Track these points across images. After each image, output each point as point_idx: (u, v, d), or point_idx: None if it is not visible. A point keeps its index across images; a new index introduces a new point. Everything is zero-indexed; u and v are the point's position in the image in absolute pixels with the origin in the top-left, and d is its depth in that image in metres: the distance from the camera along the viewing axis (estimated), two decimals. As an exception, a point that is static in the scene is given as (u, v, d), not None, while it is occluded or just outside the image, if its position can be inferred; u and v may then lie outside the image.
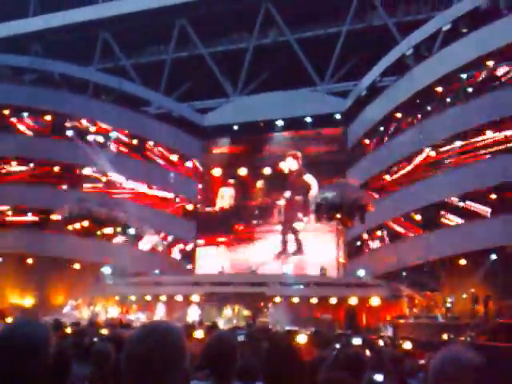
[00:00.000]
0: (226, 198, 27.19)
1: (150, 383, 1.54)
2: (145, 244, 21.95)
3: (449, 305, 18.43)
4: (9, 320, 15.56)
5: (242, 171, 26.83)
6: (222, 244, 26.40)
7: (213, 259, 25.72)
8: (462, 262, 18.76)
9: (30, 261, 22.36)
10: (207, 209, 27.51)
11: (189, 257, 26.94)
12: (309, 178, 25.42)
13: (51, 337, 1.77)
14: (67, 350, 1.86)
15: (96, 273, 21.75)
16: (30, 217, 23.93)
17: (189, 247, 27.32)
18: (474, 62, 19.19)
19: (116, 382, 3.56)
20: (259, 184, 26.27)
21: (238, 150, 27.38)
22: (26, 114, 24.77)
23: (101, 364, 4.14)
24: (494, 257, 18.10)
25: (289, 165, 26.01)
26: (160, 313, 20.35)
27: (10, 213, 23.94)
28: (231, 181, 27.21)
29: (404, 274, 20.71)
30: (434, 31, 21.31)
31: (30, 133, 24.89)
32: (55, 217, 23.73)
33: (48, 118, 24.80)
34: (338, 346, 8.08)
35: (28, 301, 21.91)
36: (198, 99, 28.52)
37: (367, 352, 7.26)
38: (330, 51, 26.41)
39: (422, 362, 6.31)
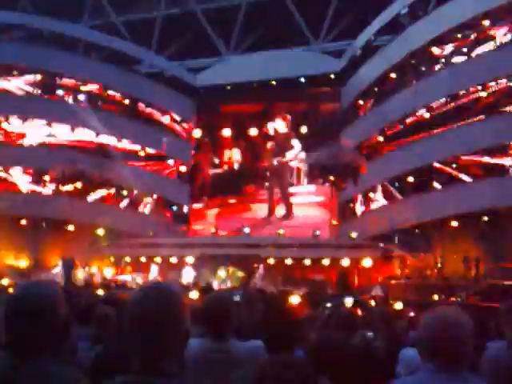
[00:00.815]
0: (234, 158, 26.85)
1: (154, 342, 1.58)
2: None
3: (439, 265, 18.70)
4: (4, 281, 15.67)
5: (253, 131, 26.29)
6: (231, 205, 26.02)
7: (211, 220, 25.69)
8: (454, 223, 18.95)
9: (23, 222, 22.37)
10: (215, 170, 27.20)
11: (183, 218, 26.97)
12: (294, 143, 25.05)
13: (62, 298, 1.82)
14: (69, 311, 1.89)
15: (90, 234, 21.82)
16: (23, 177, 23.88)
17: (184, 209, 27.32)
18: (469, 21, 18.98)
19: (118, 342, 3.61)
20: (269, 145, 25.66)
21: (246, 109, 26.78)
22: (15, 72, 24.38)
23: (103, 326, 4.20)
24: (485, 218, 18.29)
25: (276, 126, 25.60)
26: (154, 274, 20.54)
27: (2, 174, 23.83)
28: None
29: (396, 235, 20.91)
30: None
31: (19, 92, 24.54)
32: (48, 177, 23.72)
33: (38, 76, 24.45)
34: (328, 305, 8.21)
35: (22, 262, 22.00)
36: (190, 58, 28.08)
37: (359, 311, 7.39)
38: (324, 9, 25.97)
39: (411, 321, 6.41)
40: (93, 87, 25.30)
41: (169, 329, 1.59)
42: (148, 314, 1.58)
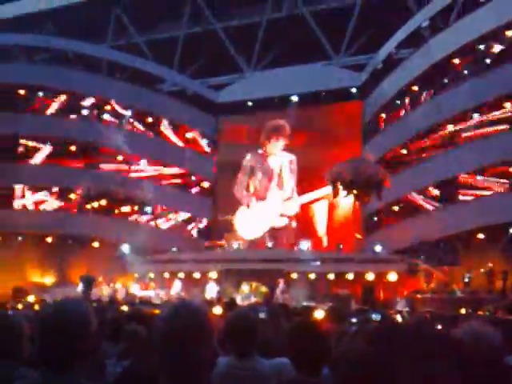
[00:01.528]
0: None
1: (184, 360, 1.59)
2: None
3: (466, 279, 18.39)
4: (30, 298, 15.86)
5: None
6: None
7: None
8: (480, 236, 18.66)
9: (49, 239, 22.68)
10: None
11: (205, 234, 27.07)
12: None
13: (92, 315, 1.85)
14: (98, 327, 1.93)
15: (115, 251, 22.01)
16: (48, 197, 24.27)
17: (202, 225, 27.42)
18: (491, 32, 18.82)
19: (145, 359, 3.62)
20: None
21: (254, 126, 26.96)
22: (40, 94, 24.90)
23: (132, 342, 4.22)
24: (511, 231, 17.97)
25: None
26: (176, 289, 20.57)
27: (29, 192, 24.25)
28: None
29: (421, 248, 20.66)
30: (450, 1, 20.87)
31: (45, 112, 25.03)
32: (73, 196, 24.06)
33: (63, 97, 24.93)
34: (354, 320, 8.11)
35: (48, 279, 22.27)
36: (212, 75, 28.38)
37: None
38: (344, 24, 26.04)
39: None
40: (116, 106, 25.70)
41: (197, 346, 1.61)
42: (178, 331, 1.61)
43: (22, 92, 24.47)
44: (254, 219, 24.91)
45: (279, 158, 25.55)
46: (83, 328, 1.78)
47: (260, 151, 25.82)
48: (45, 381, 1.77)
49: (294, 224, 25.09)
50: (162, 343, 1.63)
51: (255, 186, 25.70)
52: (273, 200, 25.16)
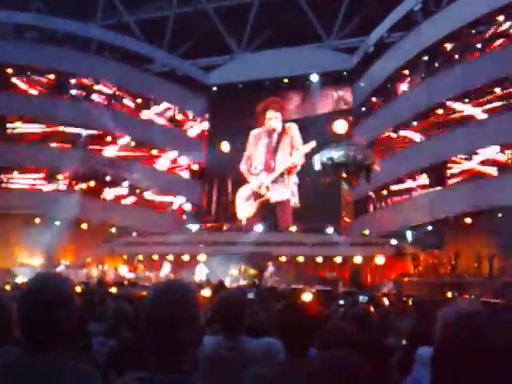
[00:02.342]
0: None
1: (170, 340, 1.59)
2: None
3: (453, 262, 18.56)
4: (18, 279, 15.81)
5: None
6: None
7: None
8: (467, 220, 18.80)
9: (37, 220, 22.55)
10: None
11: (195, 216, 27.03)
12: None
13: (74, 290, 1.84)
14: (84, 306, 1.92)
15: (104, 233, 21.94)
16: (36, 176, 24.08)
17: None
18: (483, 17, 18.79)
19: (133, 338, 3.62)
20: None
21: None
22: (28, 73, 24.58)
23: (118, 320, 4.23)
24: (499, 215, 18.11)
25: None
26: (165, 271, 20.61)
27: (16, 172, 24.03)
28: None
29: (409, 232, 20.79)
30: (443, -15, 20.77)
31: (33, 92, 24.73)
32: (61, 177, 23.90)
33: (51, 76, 24.62)
34: (341, 302, 8.18)
35: (36, 260, 22.19)
36: (202, 56, 28.13)
37: (372, 309, 7.36)
38: (337, 6, 25.86)
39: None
40: (106, 86, 25.44)
41: (184, 326, 1.60)
42: (164, 311, 1.60)
43: (9, 71, 24.14)
44: (247, 197, 25.47)
45: (277, 130, 26.03)
46: (66, 302, 1.76)
47: (258, 130, 26.06)
48: (29, 359, 1.75)
49: (294, 201, 25.28)
50: (148, 322, 1.62)
51: (257, 160, 26.29)
52: (266, 175, 25.58)
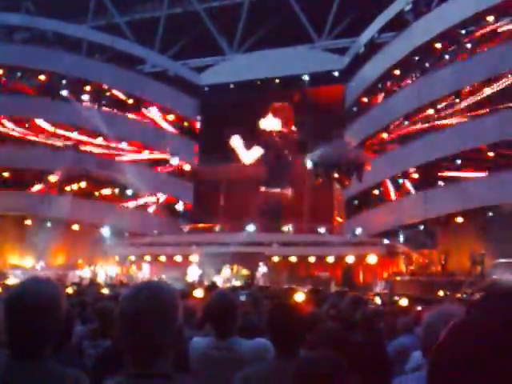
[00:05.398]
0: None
1: (141, 339, 1.55)
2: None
3: (444, 261, 18.65)
4: (9, 281, 15.70)
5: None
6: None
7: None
8: (459, 219, 18.89)
9: (28, 222, 22.44)
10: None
11: (187, 217, 26.99)
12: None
13: (62, 295, 1.80)
14: (70, 309, 1.89)
15: (95, 234, 21.86)
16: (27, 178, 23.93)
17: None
18: (473, 17, 18.90)
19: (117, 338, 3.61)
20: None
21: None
22: (19, 74, 24.46)
23: (106, 321, 4.19)
24: (490, 214, 18.21)
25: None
26: (145, 273, 20.57)
27: (7, 174, 23.88)
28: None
29: (401, 232, 20.87)
30: (433, -14, 20.88)
31: (23, 93, 24.60)
32: (53, 178, 23.79)
33: (42, 77, 24.50)
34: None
35: (27, 262, 22.08)
36: (193, 57, 28.09)
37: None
38: (327, 7, 25.91)
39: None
40: (97, 87, 25.34)
41: (156, 326, 1.55)
42: (134, 310, 1.55)
43: (0, 71, 24.02)
44: None
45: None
46: (53, 308, 1.72)
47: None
48: (15, 365, 1.70)
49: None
50: (122, 325, 1.58)
51: None
52: None
